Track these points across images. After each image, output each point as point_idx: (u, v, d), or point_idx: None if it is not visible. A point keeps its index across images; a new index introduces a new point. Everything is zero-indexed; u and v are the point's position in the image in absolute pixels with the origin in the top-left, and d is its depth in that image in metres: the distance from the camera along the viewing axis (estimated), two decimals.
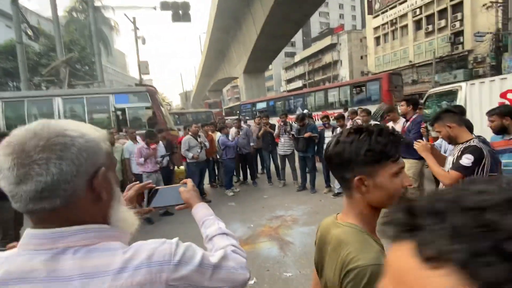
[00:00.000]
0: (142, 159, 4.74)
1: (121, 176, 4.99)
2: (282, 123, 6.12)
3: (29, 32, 13.20)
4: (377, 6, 31.72)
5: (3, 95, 7.35)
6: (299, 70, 46.66)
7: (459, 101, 5.76)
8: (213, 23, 27.08)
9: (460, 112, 2.43)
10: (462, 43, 23.90)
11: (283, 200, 5.44)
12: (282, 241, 3.74)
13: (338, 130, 5.27)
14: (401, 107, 3.95)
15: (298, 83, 44.61)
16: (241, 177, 7.16)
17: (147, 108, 7.66)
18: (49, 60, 17.57)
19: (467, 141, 1.97)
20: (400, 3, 28.53)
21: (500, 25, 20.32)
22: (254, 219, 4.60)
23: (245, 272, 0.73)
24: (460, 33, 23.96)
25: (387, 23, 30.54)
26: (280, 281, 2.86)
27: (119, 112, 7.48)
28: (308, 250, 3.43)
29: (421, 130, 3.29)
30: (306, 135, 5.60)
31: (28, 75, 10.97)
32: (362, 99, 11.78)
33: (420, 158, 3.76)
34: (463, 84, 6.04)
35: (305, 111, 7.42)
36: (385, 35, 31.33)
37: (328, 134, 5.52)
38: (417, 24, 27.53)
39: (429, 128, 3.11)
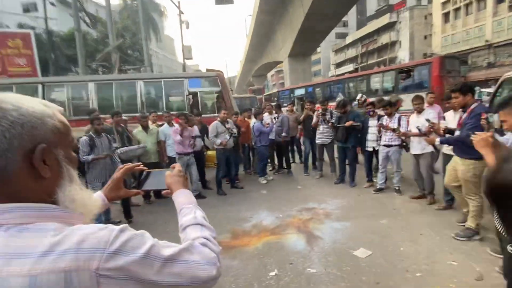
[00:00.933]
0: (179, 136, 4.93)
1: (157, 158, 5.30)
2: (321, 112, 5.83)
3: (87, 20, 14.51)
4: None
5: (95, 78, 8.44)
6: (351, 52, 43.93)
7: None
8: (258, 5, 26.67)
9: None
10: None
11: (317, 192, 5.26)
12: (310, 235, 3.62)
13: (385, 119, 4.85)
14: (456, 100, 3.37)
15: (349, 67, 42.08)
16: (276, 165, 7.08)
17: (216, 92, 8.18)
18: (105, 46, 19.20)
19: None
20: None
21: None
22: (284, 209, 4.53)
23: (210, 268, 0.67)
24: None
25: None
26: (302, 276, 2.78)
27: (192, 96, 8.15)
28: (337, 247, 3.28)
29: (481, 123, 2.80)
30: (347, 124, 5.27)
31: (85, 60, 12.18)
32: (409, 86, 10.75)
33: (482, 157, 3.23)
34: None
35: (360, 96, 6.79)
36: (457, 10, 27.60)
37: (373, 123, 5.11)
38: None
39: (491, 120, 2.63)
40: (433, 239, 3.32)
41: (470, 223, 3.25)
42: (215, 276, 0.68)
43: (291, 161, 7.18)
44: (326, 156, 6.09)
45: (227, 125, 5.47)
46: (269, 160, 6.74)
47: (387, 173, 5.11)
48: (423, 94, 5.22)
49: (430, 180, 4.32)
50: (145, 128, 5.27)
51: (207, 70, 10.18)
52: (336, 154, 5.92)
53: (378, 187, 5.05)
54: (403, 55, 34.91)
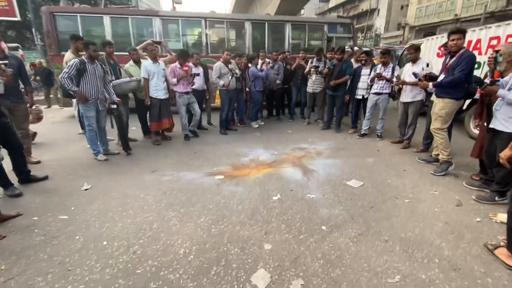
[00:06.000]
0: (175, 79, 4.43)
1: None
2: (315, 62, 5.42)
3: None
4: None
5: (252, 17, 7.76)
6: (332, 17, 41.68)
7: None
8: None
9: None
10: None
11: (307, 136, 5.12)
12: (305, 169, 3.52)
13: (379, 68, 4.58)
14: (459, 41, 3.10)
15: None
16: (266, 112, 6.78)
17: (348, 38, 8.02)
18: None
19: None
20: None
21: None
22: (278, 148, 4.37)
23: None
24: None
25: None
26: (303, 201, 2.69)
27: (328, 39, 7.86)
28: (332, 179, 3.21)
29: (487, 62, 2.61)
30: (336, 82, 4.95)
31: None
32: None
33: (459, 98, 3.17)
34: (424, 40, 6.74)
35: (357, 49, 6.88)
36: None
37: (365, 72, 4.84)
38: None
39: (499, 59, 2.44)
40: (415, 175, 3.35)
41: (442, 155, 3.33)
42: None
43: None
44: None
45: (229, 66, 4.94)
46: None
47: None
48: None
49: (414, 127, 4.28)
50: (137, 62, 4.59)
51: (338, 16, 9.70)
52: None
53: (362, 132, 4.99)
54: (379, 23, 33.65)
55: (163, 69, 4.51)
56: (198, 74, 4.88)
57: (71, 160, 3.86)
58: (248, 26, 7.31)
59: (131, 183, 3.10)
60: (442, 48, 3.59)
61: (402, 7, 32.48)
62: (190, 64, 4.67)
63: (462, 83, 2.99)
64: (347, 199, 2.74)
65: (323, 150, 4.26)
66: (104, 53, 4.24)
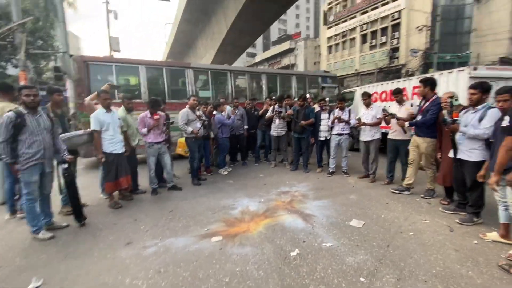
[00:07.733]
0: (145, 129, 3.91)
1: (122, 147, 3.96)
2: (277, 108, 5.71)
3: None
4: (331, 19, 33.12)
5: (267, 71, 9.35)
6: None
7: (354, 99, 8.17)
8: (181, 14, 25.06)
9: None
10: (397, 58, 26.33)
11: (281, 179, 5.07)
12: (302, 214, 3.36)
13: (336, 112, 5.09)
14: (419, 89, 3.83)
15: None
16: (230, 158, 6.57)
17: (335, 88, 10.09)
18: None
19: None
20: (351, 18, 30.24)
21: (428, 45, 22.90)
22: (261, 194, 4.14)
23: None
24: (396, 49, 26.34)
25: (339, 34, 32.08)
26: (323, 251, 2.48)
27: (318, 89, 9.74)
28: (333, 221, 3.13)
29: (443, 106, 3.19)
30: (306, 123, 5.27)
31: None
32: None
33: (436, 137, 3.73)
34: (357, 88, 8.66)
35: (309, 95, 7.85)
36: (337, 45, 32.91)
37: (325, 116, 5.29)
38: (364, 38, 29.45)
39: (454, 103, 3.01)
40: (398, 206, 3.59)
41: (430, 185, 3.82)
42: None
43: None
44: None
45: (197, 113, 4.67)
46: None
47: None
48: None
49: (377, 162, 4.74)
50: (129, 111, 4.22)
51: (325, 71, 11.88)
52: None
53: (330, 170, 5.25)
54: None
55: (119, 119, 3.94)
56: (172, 123, 4.48)
57: None
58: (264, 78, 8.83)
59: (103, 266, 2.33)
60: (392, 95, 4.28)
61: (315, 63, 38.97)
62: (161, 113, 4.24)
63: (434, 124, 3.55)
64: (362, 241, 2.67)
65: (306, 192, 4.23)
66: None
